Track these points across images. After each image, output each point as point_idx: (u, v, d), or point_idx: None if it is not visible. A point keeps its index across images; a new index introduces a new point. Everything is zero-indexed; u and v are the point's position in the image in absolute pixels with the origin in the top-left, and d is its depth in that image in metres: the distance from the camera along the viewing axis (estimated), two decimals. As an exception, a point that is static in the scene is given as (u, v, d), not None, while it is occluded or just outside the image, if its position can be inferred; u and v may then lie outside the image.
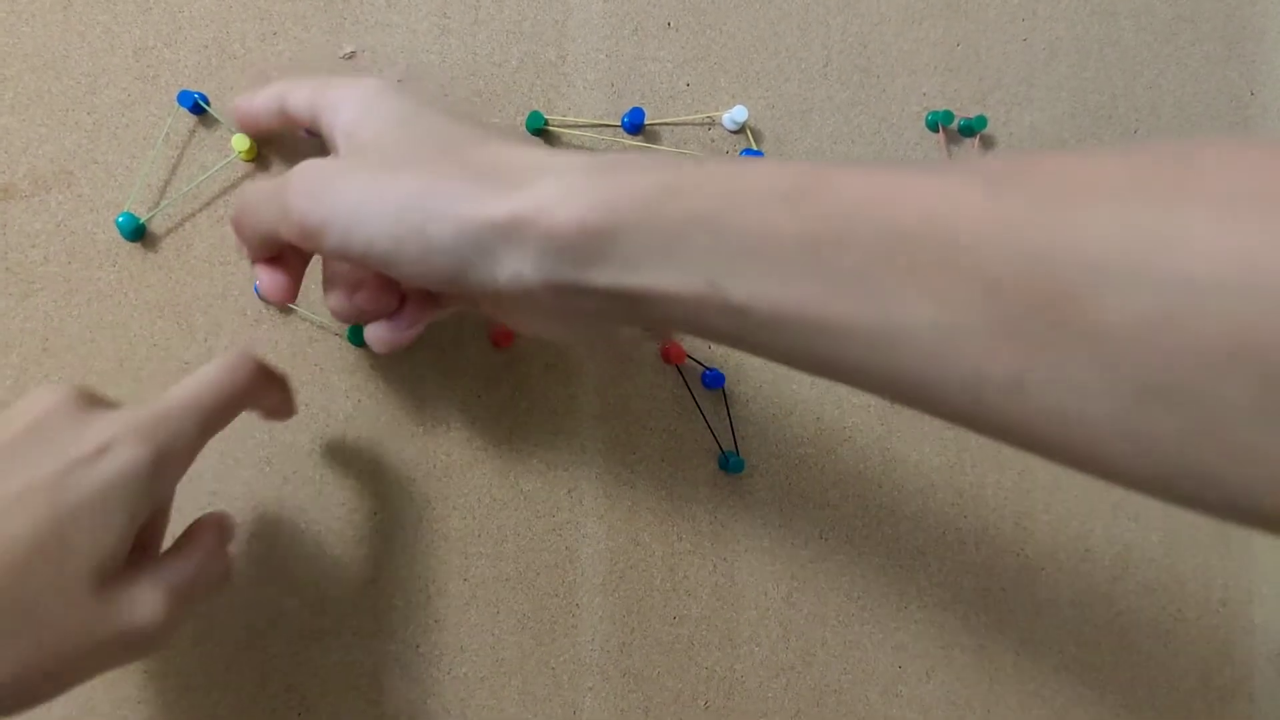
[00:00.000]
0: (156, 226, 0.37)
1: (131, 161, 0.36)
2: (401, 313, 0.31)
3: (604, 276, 0.24)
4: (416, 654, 0.38)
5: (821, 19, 0.42)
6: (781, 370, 0.41)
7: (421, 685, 0.38)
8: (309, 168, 0.27)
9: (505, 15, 0.39)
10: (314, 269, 0.34)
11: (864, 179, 0.22)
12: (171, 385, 0.29)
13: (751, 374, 0.41)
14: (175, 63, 0.37)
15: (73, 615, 0.25)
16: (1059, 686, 0.44)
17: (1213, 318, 0.17)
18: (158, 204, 0.37)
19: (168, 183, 0.37)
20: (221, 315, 0.37)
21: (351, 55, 0.38)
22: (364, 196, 0.26)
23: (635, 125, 0.39)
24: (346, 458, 0.38)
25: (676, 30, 0.41)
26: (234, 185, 0.37)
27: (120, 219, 0.36)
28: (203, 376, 0.29)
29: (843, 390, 0.42)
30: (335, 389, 0.38)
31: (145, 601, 0.27)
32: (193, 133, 0.37)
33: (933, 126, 0.43)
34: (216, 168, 0.37)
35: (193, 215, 0.37)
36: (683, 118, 0.41)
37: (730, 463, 0.40)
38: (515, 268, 0.25)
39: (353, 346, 0.38)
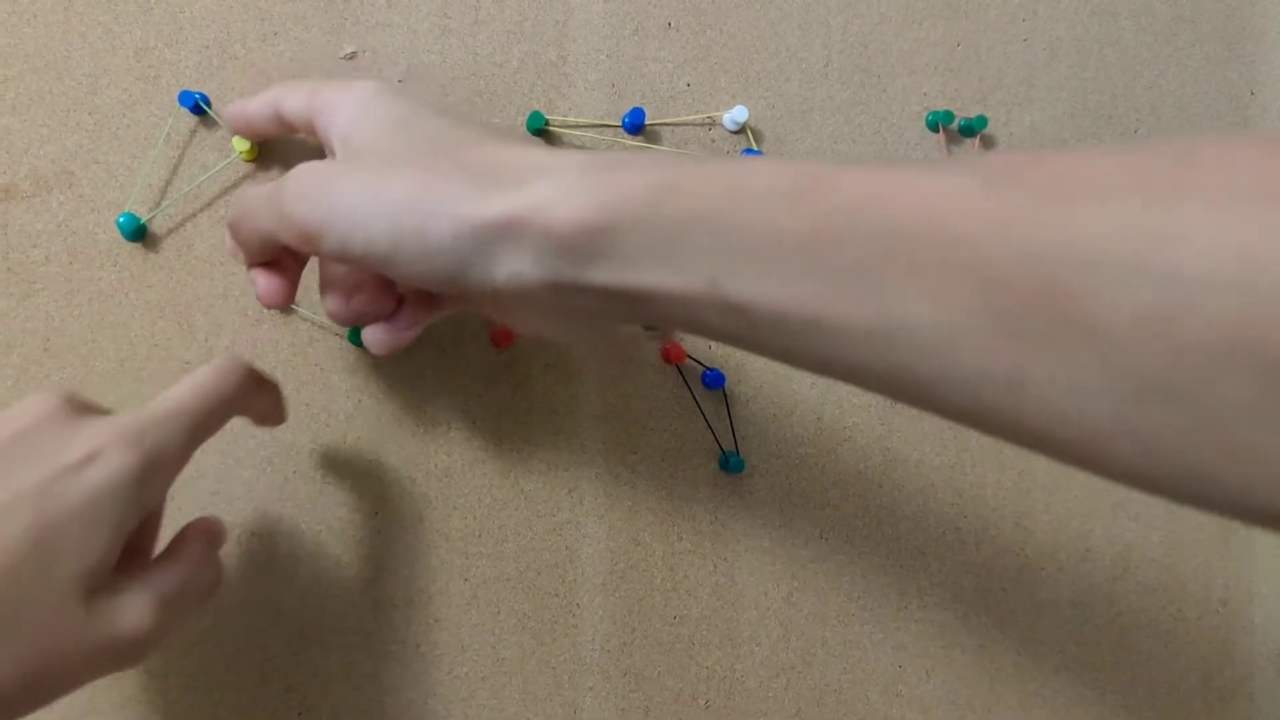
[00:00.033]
0: (157, 227, 0.37)
1: (132, 162, 0.36)
2: (399, 314, 0.31)
3: (603, 275, 0.24)
4: (416, 654, 0.38)
5: (822, 19, 0.42)
6: (782, 370, 0.41)
7: (421, 685, 0.38)
8: (306, 171, 0.27)
9: (506, 15, 0.39)
10: (313, 269, 0.34)
11: (864, 178, 0.22)
12: (172, 386, 0.29)
13: (752, 374, 0.41)
14: (176, 63, 0.37)
15: (60, 624, 0.25)
16: (1059, 686, 0.44)
17: (1212, 314, 0.17)
18: (159, 204, 0.37)
19: (169, 183, 0.37)
20: (222, 315, 0.37)
21: (352, 56, 0.38)
22: (362, 198, 0.26)
23: (636, 125, 0.39)
24: (347, 458, 0.38)
25: (677, 30, 0.41)
26: (235, 186, 0.37)
27: (121, 219, 0.36)
28: (191, 383, 0.29)
29: (843, 390, 0.42)
30: (336, 389, 0.38)
31: (133, 610, 0.27)
32: (193, 133, 0.37)
33: (933, 126, 0.43)
34: (217, 168, 0.37)
35: (194, 215, 0.37)
36: (683, 118, 0.41)
37: (730, 463, 0.40)
38: (514, 267, 0.25)
39: (353, 347, 0.38)
